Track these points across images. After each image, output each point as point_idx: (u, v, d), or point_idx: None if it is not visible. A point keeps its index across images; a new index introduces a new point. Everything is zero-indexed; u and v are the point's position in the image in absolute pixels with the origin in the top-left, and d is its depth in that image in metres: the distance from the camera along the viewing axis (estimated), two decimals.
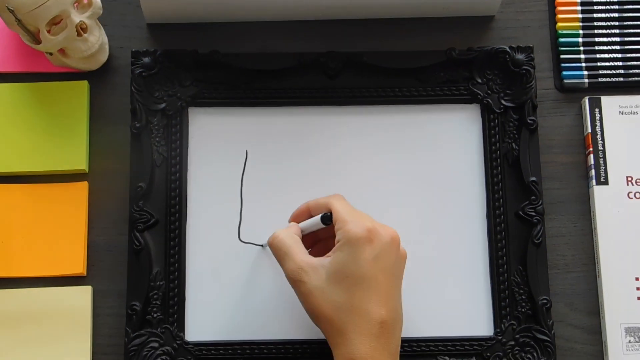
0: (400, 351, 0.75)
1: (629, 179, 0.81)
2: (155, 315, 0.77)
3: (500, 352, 0.77)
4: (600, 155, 0.81)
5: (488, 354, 0.77)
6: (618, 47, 0.85)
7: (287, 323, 0.78)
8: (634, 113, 0.82)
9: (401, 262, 0.69)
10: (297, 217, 0.74)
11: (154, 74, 0.81)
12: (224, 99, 0.82)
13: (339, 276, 0.65)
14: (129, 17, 0.85)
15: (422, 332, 0.78)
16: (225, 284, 0.79)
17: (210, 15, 0.84)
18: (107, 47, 0.82)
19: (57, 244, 0.79)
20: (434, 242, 0.80)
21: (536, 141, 0.81)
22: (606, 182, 0.81)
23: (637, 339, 0.77)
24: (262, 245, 0.79)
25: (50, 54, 0.80)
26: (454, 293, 0.79)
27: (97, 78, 0.83)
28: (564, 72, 0.84)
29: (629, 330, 0.77)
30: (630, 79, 0.84)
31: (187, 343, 0.77)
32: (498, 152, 0.81)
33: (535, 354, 0.77)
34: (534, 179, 0.79)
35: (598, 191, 0.80)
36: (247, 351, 0.77)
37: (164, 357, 0.76)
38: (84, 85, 0.82)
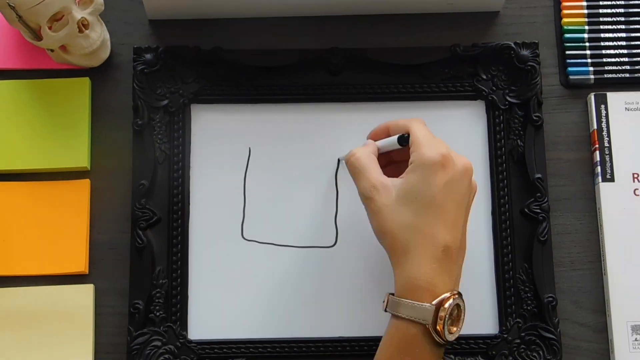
0: None
1: (635, 175, 0.80)
2: (158, 313, 0.76)
3: (506, 350, 0.76)
4: (606, 152, 0.80)
5: (493, 352, 0.76)
6: (624, 43, 0.84)
7: (290, 321, 0.78)
8: None
9: (471, 194, 0.69)
10: (376, 135, 0.74)
11: (156, 71, 0.80)
12: (226, 96, 0.81)
13: (409, 197, 0.66)
14: (131, 13, 0.84)
15: None
16: (229, 282, 0.78)
17: (212, 12, 0.83)
18: (108, 43, 0.82)
19: (59, 242, 0.78)
20: None
21: (541, 138, 0.80)
22: (612, 179, 0.80)
23: None
24: (338, 160, 0.80)
25: (52, 50, 0.80)
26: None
27: (99, 75, 0.83)
28: (570, 68, 0.83)
29: (636, 328, 0.77)
30: (636, 74, 0.83)
31: (190, 341, 0.76)
32: (503, 148, 0.80)
33: (541, 352, 0.76)
34: (539, 175, 0.79)
35: (604, 188, 0.80)
36: (251, 349, 0.76)
37: (166, 355, 0.76)
38: (85, 82, 0.82)
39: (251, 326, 0.77)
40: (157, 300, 0.77)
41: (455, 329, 0.65)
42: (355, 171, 0.70)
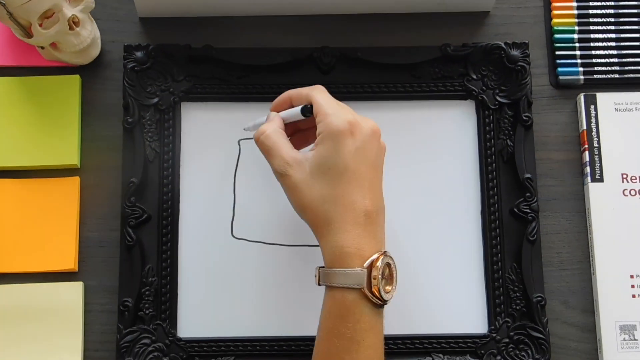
0: (394, 348, 0.75)
1: (624, 176, 0.80)
2: (147, 311, 0.76)
3: (495, 349, 0.77)
4: (596, 152, 0.81)
5: (482, 352, 0.77)
6: (614, 44, 0.85)
7: (279, 320, 0.78)
8: (630, 110, 0.82)
9: (381, 154, 0.70)
10: (278, 107, 0.74)
11: (146, 69, 0.80)
12: (217, 94, 0.81)
13: (322, 168, 0.66)
14: (122, 11, 0.84)
15: (416, 329, 0.77)
16: (218, 281, 0.78)
17: (203, 10, 0.83)
18: (99, 41, 0.82)
19: (49, 240, 0.78)
20: (428, 238, 0.79)
21: (531, 138, 0.80)
22: (601, 179, 0.80)
23: (631, 337, 0.77)
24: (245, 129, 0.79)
25: (42, 47, 0.80)
26: (448, 290, 0.78)
27: (89, 72, 0.83)
28: (560, 69, 0.83)
29: (624, 328, 0.77)
30: (626, 75, 0.84)
31: (180, 339, 0.76)
32: (493, 148, 0.80)
33: (529, 352, 0.76)
34: (528, 175, 0.79)
35: (593, 188, 0.80)
36: (240, 348, 0.76)
37: (156, 353, 0.76)
38: (76, 79, 0.82)
39: (240, 324, 0.77)
40: (146, 298, 0.77)
41: (390, 287, 0.65)
42: (266, 149, 0.70)
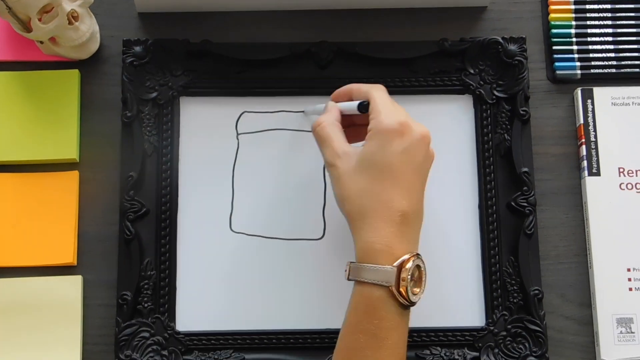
0: None
1: (621, 170, 0.81)
2: (146, 305, 0.77)
3: (492, 342, 0.77)
4: (593, 147, 0.81)
5: (480, 345, 0.77)
6: (610, 39, 0.85)
7: (277, 313, 0.78)
8: (626, 104, 0.82)
9: (428, 161, 0.70)
10: (338, 97, 0.75)
11: (145, 63, 0.81)
12: (215, 89, 0.81)
13: (367, 164, 0.67)
14: (120, 6, 0.85)
15: (414, 323, 0.77)
16: (217, 274, 0.78)
17: (201, 5, 0.83)
18: (98, 36, 0.82)
19: (47, 234, 0.78)
20: (426, 232, 0.79)
21: (528, 132, 0.81)
22: (598, 173, 0.81)
23: (628, 330, 0.77)
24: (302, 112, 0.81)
25: (41, 42, 0.80)
26: (446, 284, 0.79)
27: (88, 67, 0.83)
28: (557, 64, 0.84)
29: (621, 321, 0.77)
30: (623, 70, 0.84)
31: (178, 333, 0.77)
32: (490, 142, 0.81)
33: (526, 345, 0.77)
34: (526, 169, 0.79)
35: (590, 182, 0.80)
36: (239, 341, 0.77)
37: (154, 347, 0.76)
38: (74, 74, 0.82)
39: (239, 318, 0.78)
40: (145, 292, 0.77)
41: (418, 290, 0.66)
42: (320, 139, 0.71)
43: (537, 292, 0.77)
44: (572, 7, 0.85)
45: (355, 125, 0.75)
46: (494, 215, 0.79)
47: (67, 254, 0.78)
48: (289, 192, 0.80)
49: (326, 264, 0.79)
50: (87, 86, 0.83)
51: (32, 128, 0.80)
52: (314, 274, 0.79)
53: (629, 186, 0.80)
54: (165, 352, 0.76)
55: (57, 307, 0.77)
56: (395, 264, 0.64)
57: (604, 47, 0.84)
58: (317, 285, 0.79)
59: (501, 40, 0.82)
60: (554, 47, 0.84)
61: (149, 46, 0.81)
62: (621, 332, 0.77)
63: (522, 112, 0.80)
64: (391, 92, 0.81)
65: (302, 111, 0.81)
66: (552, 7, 0.85)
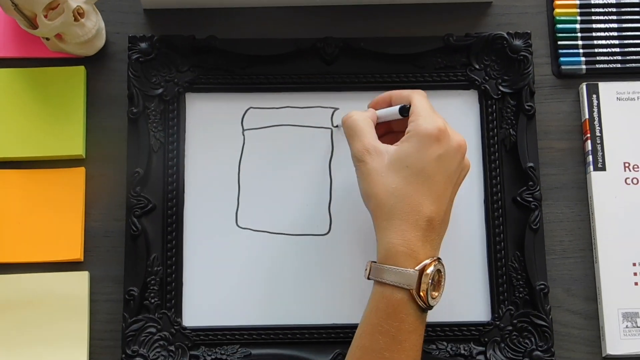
0: None
1: (627, 164, 0.81)
2: (152, 300, 0.77)
3: (498, 337, 0.77)
4: (598, 141, 0.81)
5: (486, 339, 0.77)
6: (615, 34, 0.85)
7: (284, 309, 0.78)
8: (632, 99, 0.82)
9: (462, 171, 0.70)
10: (377, 104, 0.75)
11: (151, 60, 0.81)
12: (221, 85, 0.81)
13: (400, 165, 0.67)
14: (126, 2, 0.85)
15: None
16: (223, 270, 0.79)
17: (207, 1, 0.84)
18: (104, 32, 0.82)
19: (54, 230, 0.79)
20: None
21: (534, 127, 0.81)
22: (603, 168, 0.81)
23: (634, 324, 0.77)
24: (335, 126, 0.81)
25: (47, 39, 0.80)
26: (451, 278, 0.78)
27: (94, 63, 0.83)
28: (562, 59, 0.84)
29: (626, 316, 0.78)
30: (628, 65, 0.84)
31: (185, 328, 0.77)
32: (496, 138, 0.81)
33: (532, 339, 0.77)
34: (531, 164, 0.79)
35: (595, 177, 0.80)
36: (245, 336, 0.77)
37: (161, 342, 0.76)
38: (80, 70, 0.82)
39: (245, 313, 0.78)
40: (151, 287, 0.77)
41: (436, 294, 0.66)
42: (350, 132, 0.71)
43: (542, 286, 0.77)
44: (577, 2, 0.85)
45: (393, 132, 0.75)
46: (500, 210, 0.79)
47: (74, 250, 0.78)
48: (294, 188, 0.80)
49: (332, 259, 0.79)
50: (93, 83, 0.83)
51: (39, 125, 0.80)
52: (320, 269, 0.79)
53: (635, 181, 0.80)
54: (172, 348, 0.76)
55: (64, 303, 0.77)
56: (417, 267, 0.64)
57: (609, 42, 0.85)
58: (323, 281, 0.79)
59: (506, 36, 0.82)
60: (559, 42, 0.84)
61: (154, 42, 0.81)
62: (627, 327, 0.77)
63: (527, 107, 0.80)
64: (397, 88, 0.81)
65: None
66: (557, 2, 0.85)
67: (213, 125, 0.81)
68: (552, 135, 0.83)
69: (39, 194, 0.80)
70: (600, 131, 0.81)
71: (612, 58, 0.84)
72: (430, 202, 0.66)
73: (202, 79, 0.81)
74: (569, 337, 0.79)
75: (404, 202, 0.66)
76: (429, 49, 0.82)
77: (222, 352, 0.76)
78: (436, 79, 0.82)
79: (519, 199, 0.79)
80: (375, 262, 0.66)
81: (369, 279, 0.66)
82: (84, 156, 0.81)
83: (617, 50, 0.84)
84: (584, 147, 0.82)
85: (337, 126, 0.81)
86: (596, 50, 0.84)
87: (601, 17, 0.85)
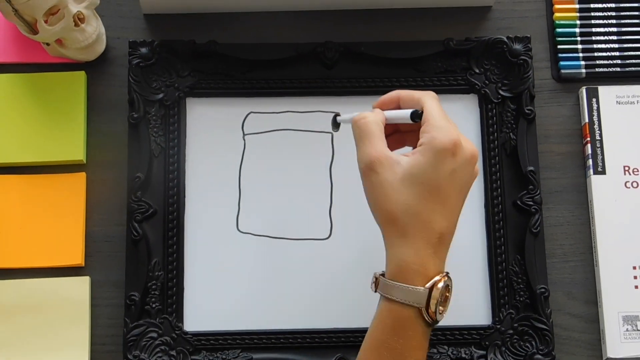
0: None
1: (626, 168, 0.81)
2: (153, 305, 0.77)
3: (499, 340, 0.77)
4: (598, 145, 0.81)
5: (487, 343, 0.77)
6: (615, 38, 0.85)
7: (285, 313, 0.78)
8: (631, 103, 0.83)
9: (472, 180, 0.68)
10: (384, 104, 0.71)
11: (151, 65, 0.81)
12: (221, 89, 0.82)
13: (415, 180, 0.64)
14: (126, 7, 0.85)
15: None
16: (224, 274, 0.79)
17: (207, 6, 0.84)
18: (104, 37, 0.82)
19: (55, 235, 0.79)
20: None
21: (534, 131, 0.81)
22: (603, 172, 0.81)
23: (634, 327, 0.78)
24: (335, 130, 0.76)
25: (48, 44, 0.80)
26: (452, 282, 0.79)
27: (95, 68, 0.83)
28: (562, 62, 0.84)
29: (627, 319, 0.78)
30: (627, 69, 0.84)
31: (186, 333, 0.77)
32: (496, 142, 0.81)
33: (533, 343, 0.77)
34: (531, 168, 0.80)
35: (595, 181, 0.81)
36: (246, 341, 0.77)
37: (162, 347, 0.76)
38: (81, 75, 0.82)
39: (246, 318, 0.78)
40: (152, 292, 0.77)
41: (443, 308, 0.65)
42: (361, 135, 0.67)
43: (543, 290, 0.77)
44: (577, 6, 0.86)
45: (400, 132, 0.72)
46: (500, 214, 0.80)
47: (75, 255, 0.78)
48: (295, 192, 0.80)
49: (333, 263, 0.79)
50: (94, 88, 0.83)
51: (39, 130, 0.80)
52: (321, 273, 0.79)
53: (634, 184, 0.81)
54: (173, 352, 0.76)
55: (65, 308, 0.77)
56: (427, 285, 0.63)
57: (608, 45, 0.85)
58: (324, 285, 0.79)
59: (506, 40, 0.82)
60: (559, 46, 0.85)
61: (155, 47, 0.81)
62: (627, 330, 0.78)
63: (527, 111, 0.81)
64: None
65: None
66: (557, 6, 0.85)
67: (214, 130, 0.81)
68: (552, 139, 0.83)
69: (39, 199, 0.80)
70: (600, 135, 0.82)
71: (611, 62, 0.84)
72: (442, 218, 0.65)
73: (202, 83, 0.81)
74: (570, 341, 0.79)
75: (417, 220, 0.64)
76: (429, 53, 0.82)
77: (224, 356, 0.77)
78: (436, 83, 0.82)
79: (519, 202, 0.79)
80: (382, 274, 0.65)
81: (375, 292, 0.66)
82: (85, 161, 0.81)
83: (617, 54, 0.84)
84: (584, 150, 0.82)
85: (336, 130, 0.80)
86: (596, 54, 0.84)
87: (601, 21, 0.85)
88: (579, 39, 0.85)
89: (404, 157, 0.66)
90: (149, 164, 0.79)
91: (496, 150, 0.81)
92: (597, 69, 0.84)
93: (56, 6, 0.76)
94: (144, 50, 0.81)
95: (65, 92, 0.81)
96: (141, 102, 0.80)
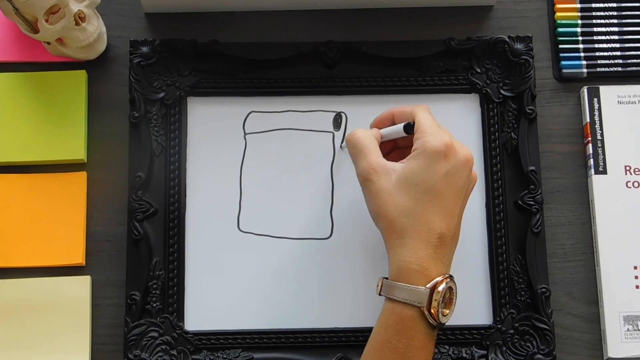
0: None
1: (628, 168, 0.81)
2: (154, 304, 0.77)
3: (500, 340, 0.77)
4: (599, 145, 0.81)
5: (487, 343, 0.77)
6: (616, 37, 0.85)
7: (286, 312, 0.78)
8: (632, 103, 0.82)
9: (470, 184, 0.70)
10: (380, 123, 0.75)
11: (152, 64, 0.81)
12: (222, 89, 0.82)
13: (408, 183, 0.66)
14: (127, 6, 0.85)
15: None
16: (225, 274, 0.79)
17: (208, 5, 0.84)
18: (105, 36, 0.82)
19: (56, 234, 0.79)
20: None
21: (535, 131, 0.81)
22: (605, 172, 0.81)
23: (635, 327, 0.78)
24: (340, 147, 0.81)
25: (49, 43, 0.80)
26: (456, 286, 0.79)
27: (96, 67, 0.83)
28: (563, 62, 0.84)
29: (628, 319, 0.78)
30: (629, 68, 0.84)
31: (187, 332, 0.77)
32: (497, 141, 0.81)
33: (534, 343, 0.77)
34: (532, 168, 0.80)
35: (597, 180, 0.81)
36: (247, 340, 0.77)
37: (163, 346, 0.76)
38: (82, 74, 0.82)
39: (247, 317, 0.78)
40: (153, 292, 0.77)
41: (447, 311, 0.66)
42: (355, 151, 0.70)
43: (544, 290, 0.77)
44: (578, 5, 0.86)
45: (399, 148, 0.75)
46: (501, 213, 0.80)
47: (76, 255, 0.78)
48: (296, 191, 0.80)
49: (334, 263, 0.79)
50: (95, 87, 0.83)
51: (40, 129, 0.80)
52: (322, 273, 0.79)
53: (635, 184, 0.81)
54: (174, 352, 0.76)
55: (66, 308, 0.77)
56: (428, 285, 0.64)
57: (610, 45, 0.85)
58: (325, 284, 0.79)
59: (507, 39, 0.82)
60: (560, 46, 0.85)
61: (156, 46, 0.81)
62: (628, 330, 0.78)
63: (528, 110, 0.80)
64: (398, 92, 0.82)
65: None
66: (558, 5, 0.85)
67: (215, 129, 0.81)
68: (553, 138, 0.83)
69: (40, 199, 0.80)
70: (602, 134, 0.82)
71: (613, 62, 0.84)
72: (440, 218, 0.66)
73: (203, 82, 0.81)
74: (571, 341, 0.79)
75: (415, 221, 0.66)
76: (431, 52, 0.82)
77: (224, 356, 0.77)
78: (438, 83, 0.82)
79: (520, 202, 0.79)
80: (386, 278, 0.66)
81: (380, 294, 0.67)
82: (86, 160, 0.81)
83: (618, 53, 0.84)
84: (585, 150, 0.82)
85: (342, 147, 0.81)
86: (597, 53, 0.84)
87: (602, 21, 0.85)
88: (580, 38, 0.85)
89: (398, 164, 0.68)
90: (149, 163, 0.79)
91: (497, 149, 0.81)
92: (598, 69, 0.84)
93: (57, 5, 0.76)
94: (145, 49, 0.81)
95: (66, 91, 0.81)
96: (142, 101, 0.80)
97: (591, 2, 0.86)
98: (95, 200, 0.80)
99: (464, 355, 0.77)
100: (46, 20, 0.77)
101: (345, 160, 0.80)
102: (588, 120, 0.82)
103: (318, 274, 0.79)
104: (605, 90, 0.82)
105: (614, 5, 0.86)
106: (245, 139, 0.81)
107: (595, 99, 0.82)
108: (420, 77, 0.82)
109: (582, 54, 0.84)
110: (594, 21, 0.85)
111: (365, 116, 0.78)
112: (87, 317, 0.77)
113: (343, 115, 0.81)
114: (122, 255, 0.78)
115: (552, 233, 0.80)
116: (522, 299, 0.78)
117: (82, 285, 0.78)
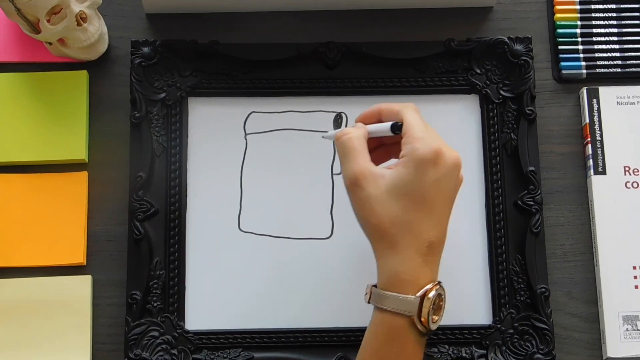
0: None
1: (627, 168, 0.81)
2: (155, 304, 0.77)
3: (499, 340, 0.77)
4: (598, 145, 0.82)
5: (487, 342, 0.77)
6: (616, 38, 0.85)
7: (286, 312, 0.78)
8: (632, 103, 0.83)
9: (458, 187, 0.69)
10: (366, 119, 0.72)
11: (153, 64, 0.81)
12: (223, 89, 0.82)
13: (399, 191, 0.65)
14: (128, 7, 0.85)
15: None
16: (225, 273, 0.79)
17: (209, 6, 0.84)
18: (106, 37, 0.82)
19: (57, 234, 0.79)
20: None
21: (534, 131, 0.81)
22: (604, 172, 0.81)
23: (634, 327, 0.78)
24: (325, 132, 0.77)
25: (50, 43, 0.80)
26: (453, 282, 0.78)
27: (97, 68, 0.83)
28: (562, 63, 0.84)
29: (627, 319, 0.78)
30: (628, 69, 0.84)
31: (187, 332, 0.77)
32: (497, 142, 0.81)
33: (533, 342, 0.77)
34: (532, 168, 0.80)
35: (596, 181, 0.81)
36: (247, 340, 0.77)
37: (164, 346, 0.76)
38: (83, 75, 0.82)
39: (248, 317, 0.78)
40: (154, 291, 0.77)
41: (437, 317, 0.65)
42: (344, 152, 0.68)
43: (543, 290, 0.78)
44: (578, 6, 0.86)
45: (384, 145, 0.73)
46: (501, 214, 0.80)
47: (77, 254, 0.79)
48: (297, 191, 0.80)
49: (334, 263, 0.79)
50: (96, 87, 0.83)
51: (41, 129, 0.81)
52: (322, 273, 0.79)
53: (635, 185, 0.81)
54: (174, 351, 0.76)
55: (66, 307, 0.77)
56: (418, 294, 0.63)
57: (609, 46, 0.85)
58: (325, 284, 0.79)
59: (507, 40, 0.82)
60: (560, 47, 0.85)
61: (157, 47, 0.81)
62: (627, 330, 0.78)
63: (528, 111, 0.81)
64: (398, 92, 0.82)
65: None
66: (558, 7, 0.86)
67: (215, 129, 0.82)
68: (552, 139, 0.83)
69: (41, 198, 0.80)
70: (601, 135, 0.82)
71: (612, 62, 0.84)
72: (430, 226, 0.65)
73: (204, 83, 0.82)
74: (570, 340, 0.79)
75: (405, 230, 0.64)
76: (431, 53, 0.82)
77: (225, 355, 0.77)
78: (437, 84, 0.82)
79: (520, 202, 0.79)
80: (375, 286, 0.66)
81: (369, 303, 0.66)
82: (87, 160, 0.81)
83: (618, 54, 0.85)
84: (585, 151, 0.82)
85: (323, 137, 0.79)
86: (596, 54, 0.85)
87: (601, 22, 0.86)
88: (579, 39, 0.85)
89: (387, 170, 0.66)
90: (150, 163, 0.79)
91: (497, 150, 0.81)
92: (597, 70, 0.84)
93: (59, 5, 0.76)
94: (146, 49, 0.81)
95: (68, 91, 0.82)
96: (143, 102, 0.80)
97: (591, 4, 0.86)
98: (96, 200, 0.80)
99: (464, 354, 0.77)
100: (48, 21, 0.77)
101: None
102: (587, 121, 0.82)
103: (318, 274, 0.79)
104: (604, 91, 0.83)
105: (614, 6, 0.86)
106: (245, 139, 0.82)
107: (595, 100, 0.83)
108: (420, 77, 0.82)
109: (581, 55, 0.85)
110: (594, 22, 0.86)
111: None
112: (88, 316, 0.78)
113: (343, 115, 0.82)
114: (123, 255, 0.78)
115: (552, 233, 0.81)
116: (522, 298, 0.78)
117: (83, 285, 0.78)
